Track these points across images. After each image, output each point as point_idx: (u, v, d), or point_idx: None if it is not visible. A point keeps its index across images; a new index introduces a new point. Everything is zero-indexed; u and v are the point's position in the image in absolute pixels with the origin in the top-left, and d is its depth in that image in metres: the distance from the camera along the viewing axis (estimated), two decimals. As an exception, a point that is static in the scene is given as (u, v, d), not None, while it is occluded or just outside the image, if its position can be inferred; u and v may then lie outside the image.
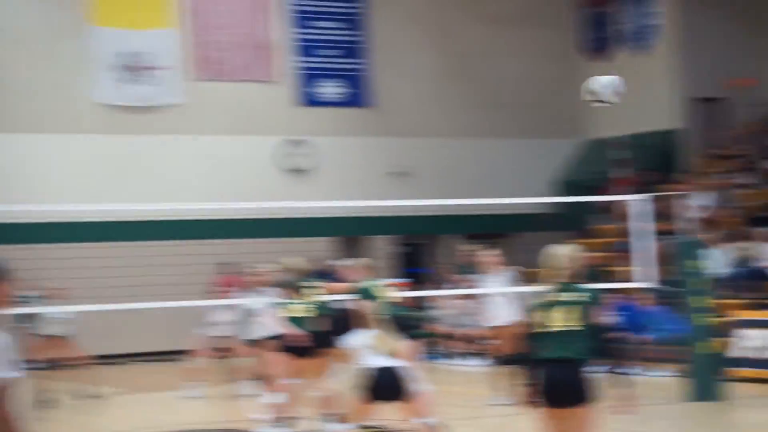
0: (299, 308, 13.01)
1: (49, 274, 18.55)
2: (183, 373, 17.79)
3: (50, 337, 16.85)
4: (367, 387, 10.45)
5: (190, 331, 18.17)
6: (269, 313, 13.56)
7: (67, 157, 24.96)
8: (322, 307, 13.23)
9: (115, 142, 25.46)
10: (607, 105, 13.35)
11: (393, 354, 10.49)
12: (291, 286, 13.15)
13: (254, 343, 15.19)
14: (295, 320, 12.94)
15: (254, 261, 17.37)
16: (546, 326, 7.97)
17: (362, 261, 14.46)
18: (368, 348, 10.54)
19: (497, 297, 15.59)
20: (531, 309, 8.15)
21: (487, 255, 16.20)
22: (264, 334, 14.15)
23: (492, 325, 15.69)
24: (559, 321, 7.97)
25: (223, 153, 26.25)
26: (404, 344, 10.77)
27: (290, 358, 12.86)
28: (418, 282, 23.07)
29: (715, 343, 15.32)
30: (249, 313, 15.60)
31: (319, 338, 12.90)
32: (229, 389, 17.31)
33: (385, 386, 10.40)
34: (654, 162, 26.51)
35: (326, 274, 18.15)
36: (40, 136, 24.82)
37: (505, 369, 14.42)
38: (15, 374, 5.16)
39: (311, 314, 13.04)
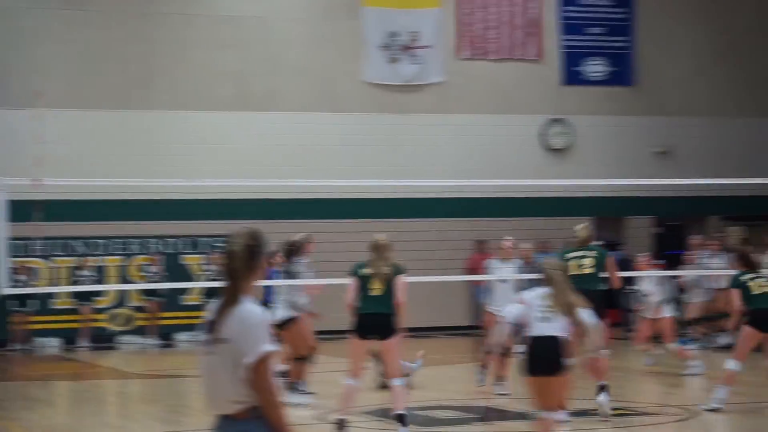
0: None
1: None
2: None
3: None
4: None
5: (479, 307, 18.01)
6: None
7: (334, 135, 25.58)
8: None
9: (382, 120, 25.96)
10: None
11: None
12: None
13: None
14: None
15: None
16: None
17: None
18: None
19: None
20: None
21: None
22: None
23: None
24: None
25: (485, 131, 26.39)
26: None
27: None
28: (673, 264, 22.61)
29: None
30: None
31: None
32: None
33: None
34: None
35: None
36: (310, 114, 25.52)
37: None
38: (271, 348, 5.38)
39: None
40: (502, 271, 15.02)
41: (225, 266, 5.45)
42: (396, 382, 11.55)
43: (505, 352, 14.00)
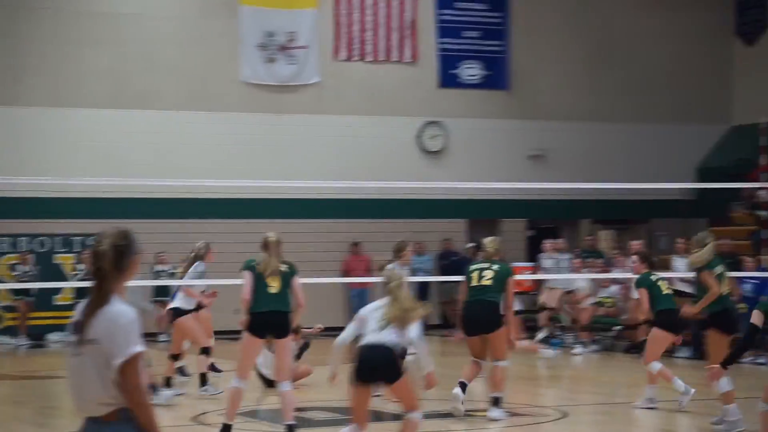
0: None
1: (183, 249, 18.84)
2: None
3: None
4: None
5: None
6: None
7: (210, 135, 25.43)
8: None
9: (256, 120, 25.87)
10: None
11: None
12: None
13: None
14: None
15: (385, 241, 17.45)
16: None
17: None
18: None
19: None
20: None
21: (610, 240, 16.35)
22: None
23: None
24: None
25: (361, 133, 26.46)
26: None
27: None
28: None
29: None
30: None
31: None
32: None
33: None
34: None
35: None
36: (186, 113, 25.35)
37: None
38: (141, 348, 5.32)
39: None
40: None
41: (93, 266, 5.39)
42: (284, 387, 11.24)
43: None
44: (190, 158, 24.82)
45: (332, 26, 26.50)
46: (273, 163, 25.40)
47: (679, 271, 19.55)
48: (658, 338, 13.40)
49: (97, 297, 5.35)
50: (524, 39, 27.71)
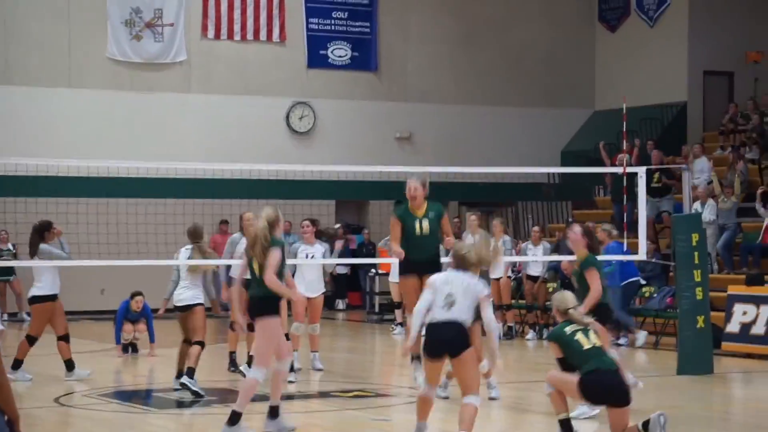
0: None
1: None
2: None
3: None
4: None
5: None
6: None
7: (73, 112, 24.99)
8: None
9: (122, 98, 25.50)
10: None
11: None
12: None
13: None
14: None
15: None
16: None
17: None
18: None
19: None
20: None
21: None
22: None
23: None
24: None
25: (229, 113, 26.27)
26: None
27: None
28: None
29: (708, 317, 15.31)
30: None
31: None
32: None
33: None
34: (660, 135, 26.47)
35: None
36: (49, 89, 24.87)
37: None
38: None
39: None
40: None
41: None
42: (281, 366, 10.70)
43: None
44: (51, 136, 24.35)
45: (200, 4, 26.22)
46: (139, 142, 25.07)
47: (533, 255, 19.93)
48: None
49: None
50: (392, 20, 27.78)
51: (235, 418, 10.36)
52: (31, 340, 14.47)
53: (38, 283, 14.42)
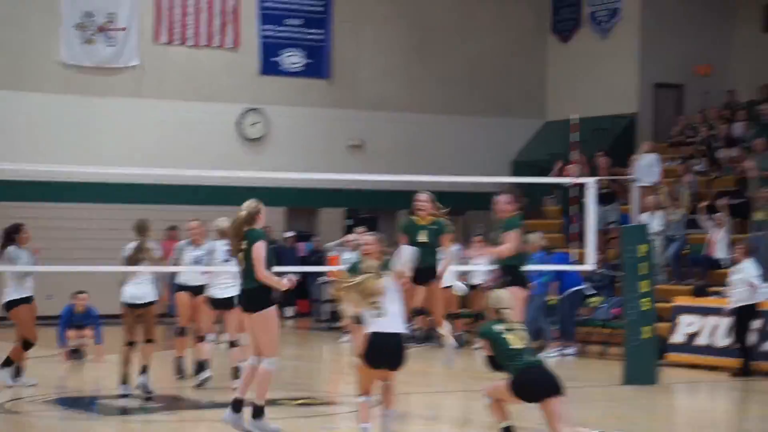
0: None
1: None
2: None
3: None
4: None
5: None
6: None
7: (24, 116, 24.83)
8: None
9: (74, 102, 25.36)
10: None
11: None
12: None
13: None
14: None
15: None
16: None
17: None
18: None
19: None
20: None
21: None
22: None
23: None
24: None
25: (181, 118, 26.18)
26: None
27: None
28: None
29: (654, 327, 15.44)
30: None
31: None
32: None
33: None
34: (611, 146, 26.63)
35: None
36: (0, 92, 24.71)
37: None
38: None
39: None
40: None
41: None
42: (267, 364, 10.65)
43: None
44: (1, 139, 24.17)
45: (153, 9, 26.13)
46: (89, 147, 24.92)
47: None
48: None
49: None
50: (346, 28, 27.81)
51: (258, 411, 10.42)
52: (27, 344, 14.32)
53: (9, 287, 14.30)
